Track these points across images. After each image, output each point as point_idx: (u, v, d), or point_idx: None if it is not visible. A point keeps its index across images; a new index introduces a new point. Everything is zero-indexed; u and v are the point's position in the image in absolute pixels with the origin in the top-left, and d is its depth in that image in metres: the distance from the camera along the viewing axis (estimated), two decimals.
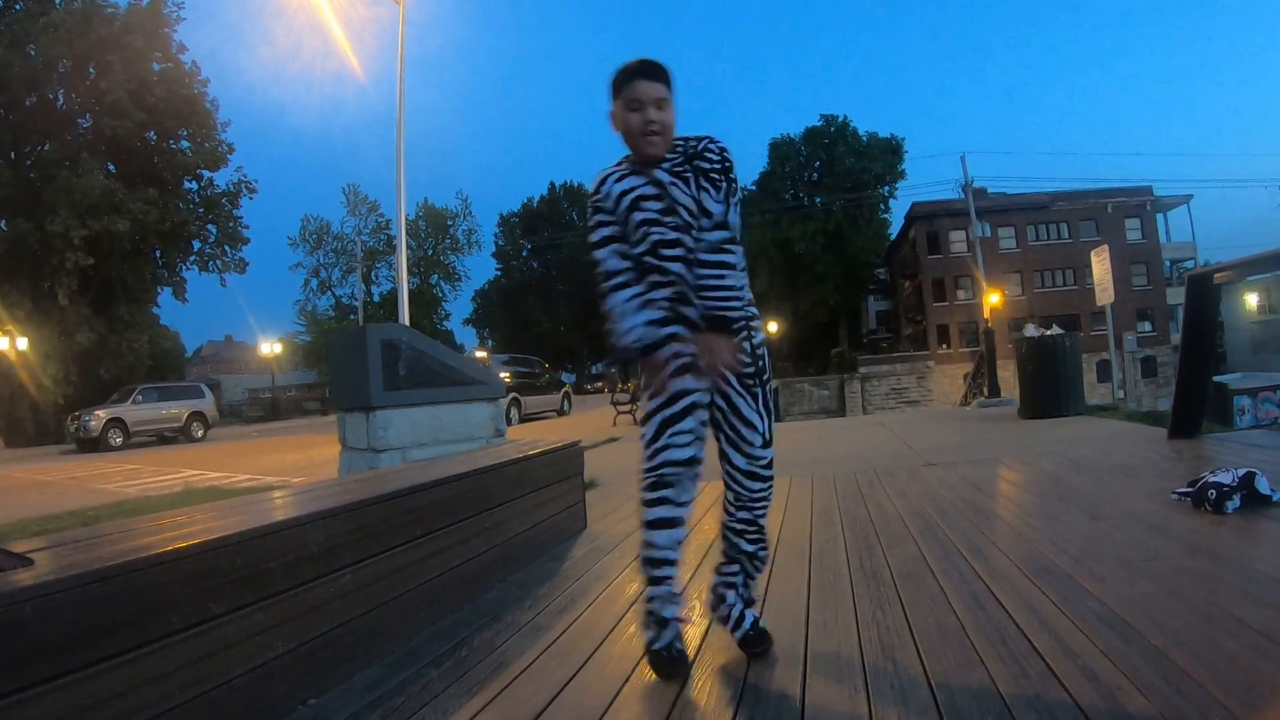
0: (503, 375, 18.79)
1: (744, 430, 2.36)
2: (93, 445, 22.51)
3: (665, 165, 2.33)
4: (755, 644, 2.42)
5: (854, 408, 43.86)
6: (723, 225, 2.30)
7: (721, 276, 2.30)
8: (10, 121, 30.55)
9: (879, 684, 2.12)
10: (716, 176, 2.31)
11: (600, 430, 14.53)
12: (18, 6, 30.71)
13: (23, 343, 27.66)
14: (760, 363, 2.39)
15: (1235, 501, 3.69)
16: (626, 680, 2.31)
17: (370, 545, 2.70)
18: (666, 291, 2.32)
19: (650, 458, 2.34)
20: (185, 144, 34.15)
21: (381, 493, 2.93)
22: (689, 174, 2.31)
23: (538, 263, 69.38)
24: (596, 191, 2.41)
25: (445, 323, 65.32)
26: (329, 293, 61.22)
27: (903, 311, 58.40)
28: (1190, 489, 3.94)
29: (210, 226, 35.75)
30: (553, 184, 68.85)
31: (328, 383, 33.90)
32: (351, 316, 54.72)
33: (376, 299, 59.34)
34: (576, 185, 67.96)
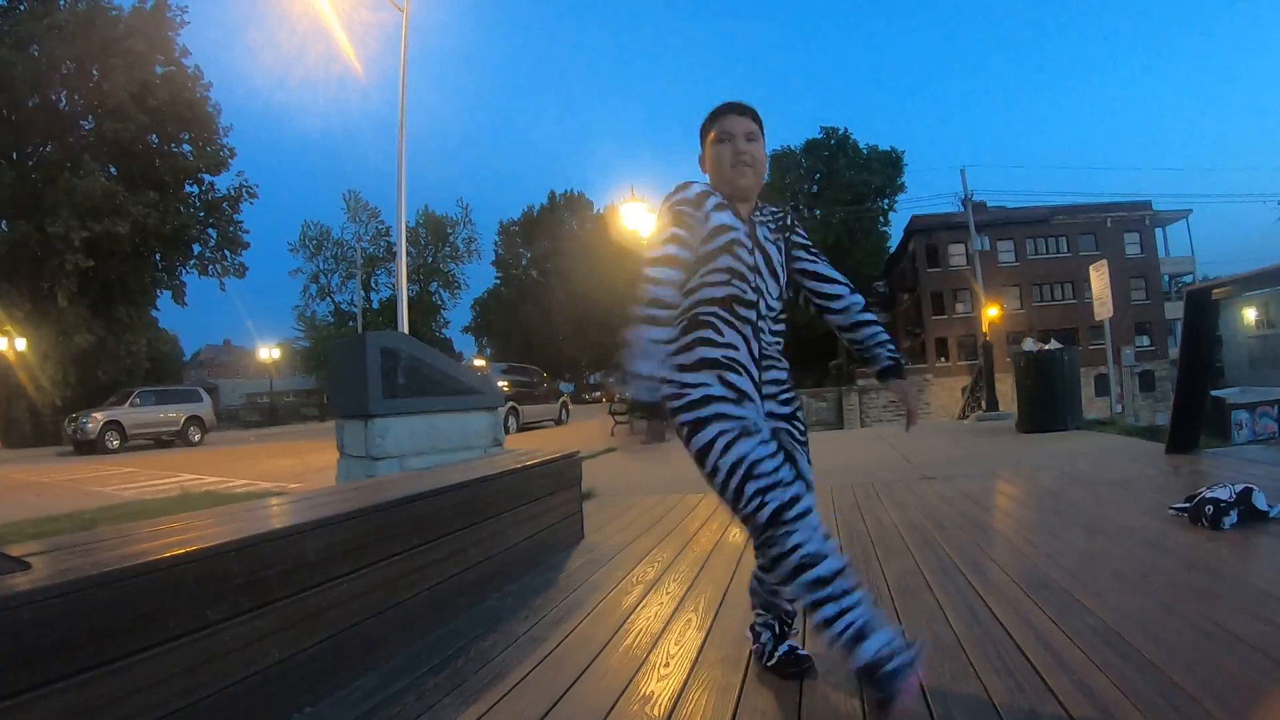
0: (501, 384, 18.83)
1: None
2: (89, 447, 22.48)
3: (760, 225, 2.28)
4: (788, 665, 2.35)
5: (852, 420, 43.83)
6: (854, 290, 2.38)
7: (883, 332, 2.37)
8: (12, 122, 30.64)
9: (875, 697, 2.12)
10: (814, 249, 2.37)
11: (598, 440, 14.50)
12: (21, 7, 30.84)
13: (21, 343, 27.68)
14: (807, 435, 2.33)
15: (1232, 517, 3.70)
16: (622, 692, 2.31)
17: (367, 554, 2.70)
18: (715, 354, 2.11)
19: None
20: (187, 147, 34.32)
21: (379, 501, 2.93)
22: (782, 243, 2.30)
23: (537, 272, 69.36)
24: (698, 202, 2.17)
25: (444, 331, 65.40)
26: (328, 299, 61.29)
27: (901, 324, 58.42)
28: (1187, 504, 3.95)
29: (210, 230, 35.91)
30: (553, 193, 68.82)
31: (326, 389, 33.92)
32: (350, 323, 54.73)
33: (376, 306, 59.42)
34: (576, 194, 68.07)
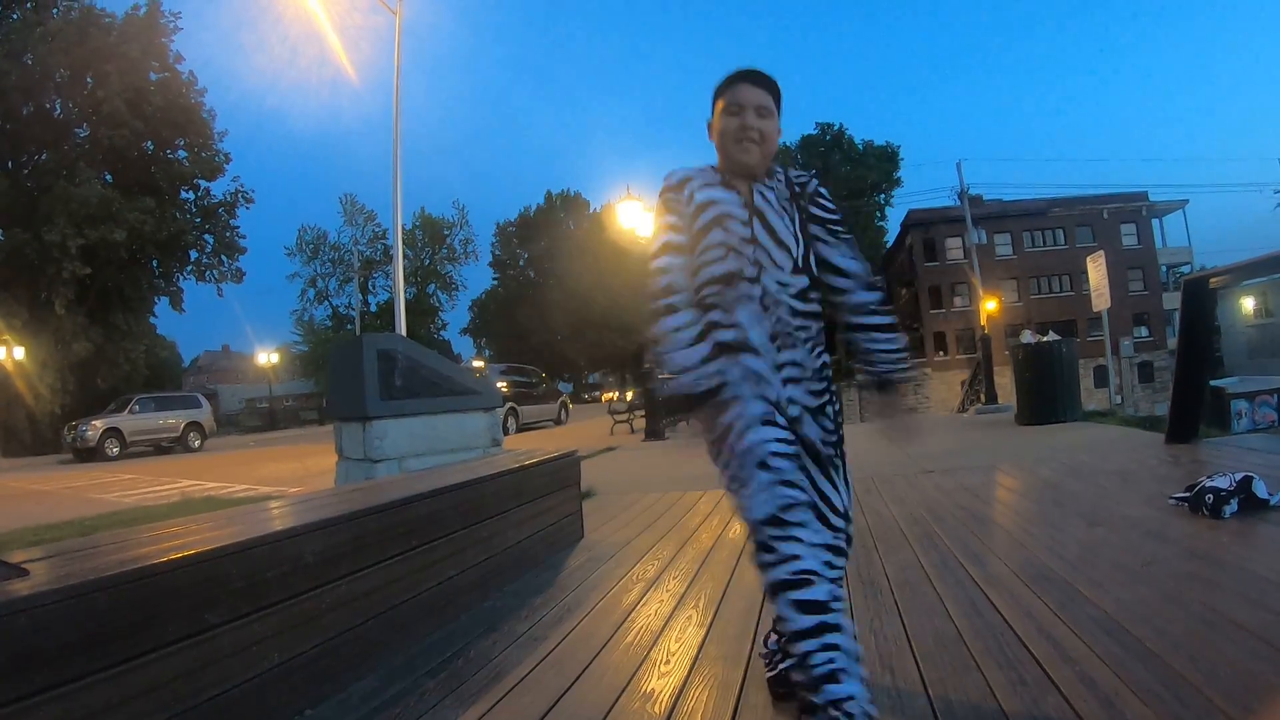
0: (500, 385, 18.83)
1: (821, 506, 1.98)
2: (89, 455, 22.45)
3: (768, 191, 2.08)
4: (780, 685, 2.13)
5: (850, 415, 43.65)
6: (871, 285, 2.12)
7: (889, 339, 2.12)
8: (7, 131, 30.57)
9: (877, 692, 2.11)
10: (838, 228, 2.10)
11: (597, 440, 14.52)
12: (14, 15, 30.75)
13: (19, 352, 27.61)
14: (842, 433, 2.09)
15: (1233, 506, 3.69)
16: (623, 690, 2.30)
17: (366, 556, 2.69)
18: (727, 336, 1.97)
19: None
20: (182, 153, 34.25)
21: (378, 503, 2.93)
22: (795, 212, 2.07)
23: (534, 272, 69.31)
24: (679, 188, 2.07)
25: (442, 333, 65.29)
26: (326, 303, 61.18)
27: (899, 319, 58.29)
28: (1188, 494, 3.94)
29: (207, 236, 35.86)
30: (549, 193, 68.69)
31: (325, 393, 33.92)
32: (348, 326, 54.68)
33: (373, 309, 59.33)
34: (573, 194, 67.98)
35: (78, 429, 23.00)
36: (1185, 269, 45.51)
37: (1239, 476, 3.83)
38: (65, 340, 29.46)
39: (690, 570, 3.71)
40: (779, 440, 1.91)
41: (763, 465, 1.88)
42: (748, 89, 2.07)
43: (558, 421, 24.80)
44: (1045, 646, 2.28)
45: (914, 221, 52.13)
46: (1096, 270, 13.92)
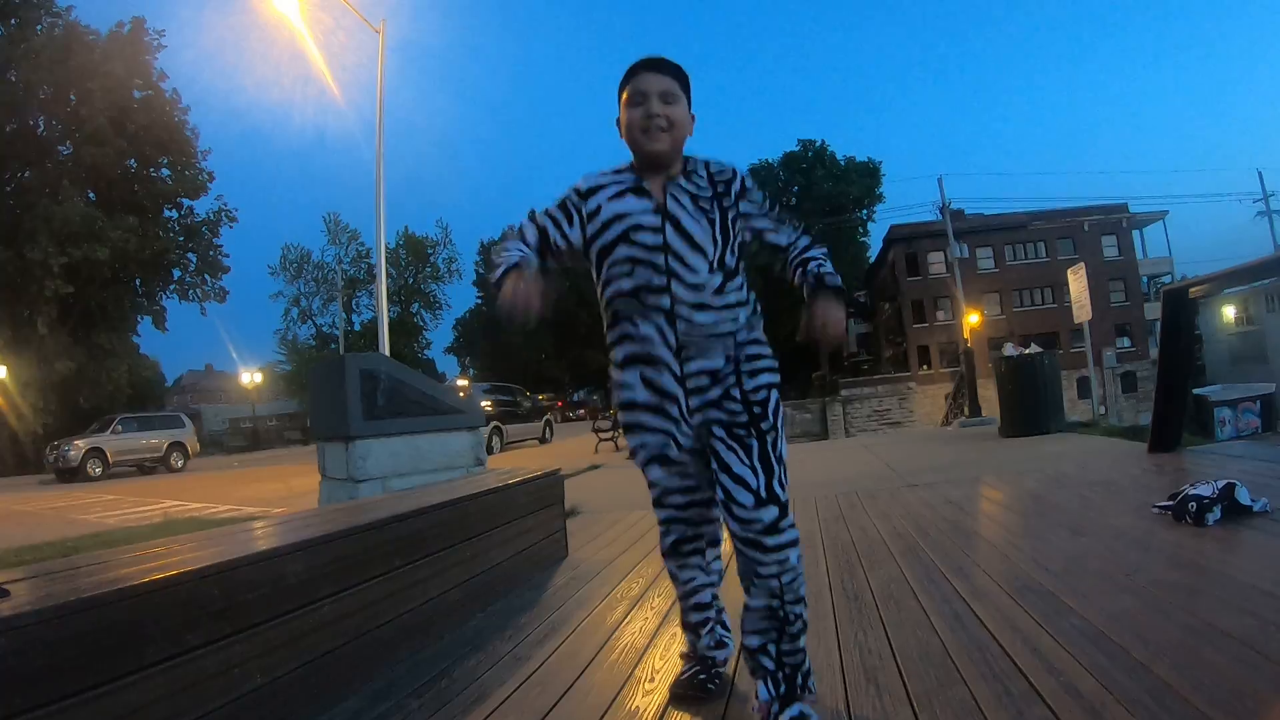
0: (484, 404, 18.79)
1: (733, 489, 1.98)
2: (72, 475, 22.30)
3: (686, 191, 2.06)
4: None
5: (836, 430, 43.92)
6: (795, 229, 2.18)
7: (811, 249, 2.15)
8: None
9: (861, 706, 2.11)
10: (773, 212, 2.15)
11: (582, 458, 14.49)
12: None
13: (1, 371, 27.42)
14: (757, 409, 2.05)
15: (1216, 513, 3.71)
16: (607, 709, 2.29)
17: (350, 576, 2.67)
18: (635, 349, 2.06)
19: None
20: (165, 172, 34.24)
21: (361, 523, 2.91)
22: (715, 214, 2.05)
23: None
24: (587, 195, 2.11)
25: (426, 351, 65.25)
26: (309, 322, 60.97)
27: (883, 333, 58.64)
28: (1171, 502, 3.96)
29: (190, 255, 35.83)
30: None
31: (308, 412, 33.80)
32: (332, 345, 54.50)
33: (357, 328, 59.14)
34: None
35: (60, 449, 22.86)
36: (1166, 279, 45.88)
37: (1221, 484, 3.85)
38: (48, 359, 29.32)
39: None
40: (675, 476, 2.19)
41: (659, 503, 2.28)
42: (650, 76, 2.05)
43: (542, 440, 24.77)
44: (1030, 658, 2.28)
45: (896, 237, 52.45)
46: (1077, 282, 13.99)
